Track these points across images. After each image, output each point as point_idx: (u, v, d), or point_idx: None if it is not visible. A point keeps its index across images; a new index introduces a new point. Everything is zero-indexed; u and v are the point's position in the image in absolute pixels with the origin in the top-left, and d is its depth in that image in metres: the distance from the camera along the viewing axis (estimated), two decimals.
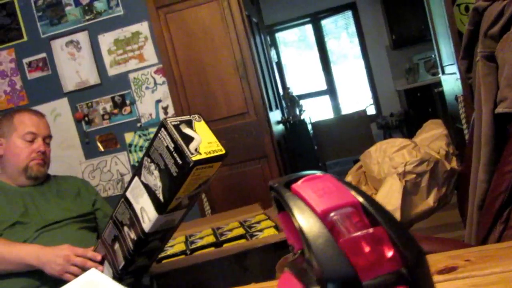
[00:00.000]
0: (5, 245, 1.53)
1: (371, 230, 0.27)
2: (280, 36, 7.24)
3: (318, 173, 0.31)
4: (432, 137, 1.64)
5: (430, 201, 1.47)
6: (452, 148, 1.61)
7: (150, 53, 2.95)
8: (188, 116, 1.09)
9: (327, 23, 7.08)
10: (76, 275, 1.33)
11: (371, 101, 6.77)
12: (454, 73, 2.82)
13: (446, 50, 2.98)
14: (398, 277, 0.26)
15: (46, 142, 1.83)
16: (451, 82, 3.02)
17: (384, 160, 1.56)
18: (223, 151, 1.06)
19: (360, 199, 0.29)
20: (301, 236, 0.27)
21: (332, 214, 0.28)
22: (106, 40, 2.97)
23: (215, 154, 1.04)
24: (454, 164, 1.55)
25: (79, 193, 1.88)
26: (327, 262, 0.24)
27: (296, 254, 0.32)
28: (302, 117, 5.49)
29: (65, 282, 1.13)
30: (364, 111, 5.21)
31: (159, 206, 1.08)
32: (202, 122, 1.10)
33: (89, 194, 1.91)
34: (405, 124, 6.01)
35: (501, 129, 1.15)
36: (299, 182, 0.31)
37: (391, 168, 1.51)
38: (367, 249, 0.26)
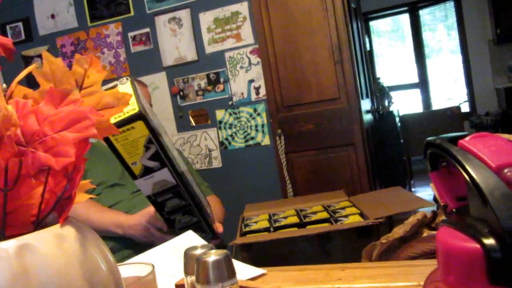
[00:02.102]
0: (97, 212, 1.64)
1: None
2: (373, 25, 7.04)
3: (485, 132, 0.31)
4: None
5: None
6: None
7: (247, 33, 2.99)
8: (116, 82, 1.16)
9: (423, 14, 6.77)
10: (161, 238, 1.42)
11: (466, 98, 6.42)
12: None
13: None
14: None
15: None
16: None
17: None
18: (136, 110, 1.10)
19: None
20: (472, 190, 0.27)
21: (506, 170, 0.28)
22: (206, 18, 3.06)
23: (125, 116, 1.09)
24: None
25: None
26: (506, 214, 0.24)
27: (451, 213, 0.31)
28: (390, 109, 5.33)
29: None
30: (458, 107, 4.95)
31: (130, 174, 1.21)
32: (127, 84, 1.16)
33: (183, 163, 2.00)
34: (501, 125, 5.64)
35: None
36: (467, 138, 0.30)
37: None
38: None
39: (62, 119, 0.40)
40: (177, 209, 1.32)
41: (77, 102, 0.42)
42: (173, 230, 1.38)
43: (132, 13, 3.18)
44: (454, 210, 0.31)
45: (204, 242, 1.15)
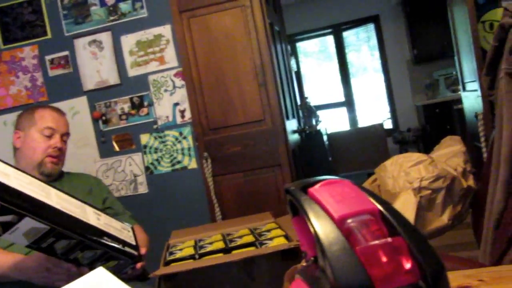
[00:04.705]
0: None
1: (389, 239, 0.26)
2: (300, 46, 7.24)
3: (336, 178, 0.30)
4: (450, 153, 1.61)
5: (445, 218, 1.45)
6: (470, 165, 1.58)
7: (170, 56, 2.96)
8: None
9: (348, 35, 7.06)
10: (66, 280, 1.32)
11: (389, 115, 6.72)
12: (475, 90, 2.79)
13: (468, 67, 2.94)
14: None
15: (64, 140, 1.85)
16: (471, 99, 2.98)
17: (400, 175, 1.54)
18: None
19: (380, 206, 0.28)
20: (316, 242, 0.26)
21: (349, 220, 0.27)
22: (128, 41, 3.00)
23: None
24: (471, 182, 1.52)
25: (90, 191, 1.89)
26: (341, 270, 0.23)
27: (308, 261, 0.30)
28: (318, 128, 5.46)
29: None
30: (381, 124, 5.17)
31: None
32: None
33: (100, 192, 1.92)
34: (422, 140, 5.95)
35: None
36: (317, 186, 0.30)
37: (406, 183, 1.49)
38: (384, 259, 0.25)
39: None
40: (71, 248, 1.23)
41: None
42: (84, 266, 1.30)
43: (49, 36, 3.05)
44: (312, 258, 0.30)
45: (115, 280, 1.09)
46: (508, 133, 1.14)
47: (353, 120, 7.03)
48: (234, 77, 2.86)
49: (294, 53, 6.89)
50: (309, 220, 0.27)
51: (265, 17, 2.84)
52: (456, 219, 1.48)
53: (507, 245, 1.09)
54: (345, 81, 7.04)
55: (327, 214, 0.27)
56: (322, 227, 0.26)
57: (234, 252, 1.74)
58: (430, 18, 5.89)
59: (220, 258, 1.69)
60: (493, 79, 1.29)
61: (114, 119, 3.04)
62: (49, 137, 1.79)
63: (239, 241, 1.82)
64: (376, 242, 0.26)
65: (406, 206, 1.44)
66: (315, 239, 0.26)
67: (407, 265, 0.26)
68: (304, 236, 0.31)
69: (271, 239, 1.79)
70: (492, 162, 1.26)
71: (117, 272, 1.43)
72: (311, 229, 0.27)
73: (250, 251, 1.72)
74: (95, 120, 3.05)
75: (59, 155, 1.82)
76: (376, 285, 0.24)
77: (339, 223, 0.27)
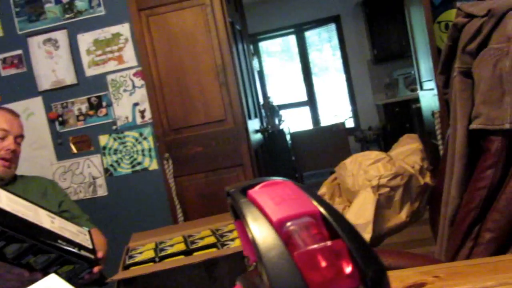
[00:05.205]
0: None
1: (329, 243, 0.25)
2: (263, 45, 7.25)
3: (278, 179, 0.29)
4: (408, 151, 1.64)
5: (403, 215, 1.47)
6: (427, 163, 1.61)
7: (129, 55, 2.90)
8: None
9: (310, 35, 7.13)
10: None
11: (350, 114, 6.82)
12: (432, 89, 2.85)
13: (425, 66, 3.01)
14: None
15: (17, 142, 1.80)
16: (428, 97, 3.05)
17: (359, 173, 1.55)
18: None
19: (321, 208, 0.27)
20: (253, 246, 0.24)
21: (288, 224, 0.26)
22: (85, 40, 2.92)
23: None
24: (428, 179, 1.55)
25: (45, 193, 1.83)
26: (277, 277, 0.22)
27: (251, 267, 0.29)
28: (281, 127, 5.48)
29: None
30: (343, 123, 5.23)
31: None
32: None
33: (56, 195, 1.87)
34: (383, 138, 6.07)
35: (475, 145, 1.15)
36: (257, 187, 0.28)
37: (365, 181, 1.50)
38: (323, 263, 0.24)
39: None
40: (23, 252, 1.19)
41: None
42: (37, 271, 1.25)
43: (1, 34, 2.94)
44: (254, 264, 0.29)
45: (68, 287, 1.05)
46: (462, 131, 1.16)
47: (315, 119, 7.09)
48: (195, 76, 2.83)
49: (257, 52, 6.89)
50: (247, 223, 0.25)
51: (226, 16, 2.82)
52: (413, 216, 1.51)
53: (462, 241, 1.11)
54: (307, 81, 7.10)
55: (265, 217, 0.26)
56: (260, 231, 0.25)
57: (196, 254, 1.72)
58: (389, 19, 6.01)
59: (181, 261, 1.67)
60: (448, 77, 1.32)
61: (71, 120, 2.96)
62: (2, 139, 1.73)
63: (201, 243, 1.81)
64: (315, 246, 0.25)
65: (366, 204, 1.46)
66: (252, 243, 0.25)
67: (347, 269, 0.25)
68: (246, 241, 0.29)
69: (233, 240, 1.78)
70: (447, 159, 1.28)
71: (74, 277, 1.39)
72: (249, 233, 0.25)
73: (212, 252, 1.70)
74: (51, 121, 2.96)
75: (12, 157, 1.77)
76: None
77: (278, 226, 0.25)
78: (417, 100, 3.66)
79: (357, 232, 0.26)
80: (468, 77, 1.16)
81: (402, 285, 0.70)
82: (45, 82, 2.94)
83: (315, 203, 0.27)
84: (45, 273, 1.16)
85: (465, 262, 1.00)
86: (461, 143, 1.15)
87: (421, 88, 3.29)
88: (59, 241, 1.27)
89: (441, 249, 1.24)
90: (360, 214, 1.42)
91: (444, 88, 1.35)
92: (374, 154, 1.55)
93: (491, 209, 1.07)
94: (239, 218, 0.30)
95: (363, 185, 1.50)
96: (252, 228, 0.25)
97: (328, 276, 0.24)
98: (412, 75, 5.97)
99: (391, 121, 5.89)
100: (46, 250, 1.22)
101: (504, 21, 1.06)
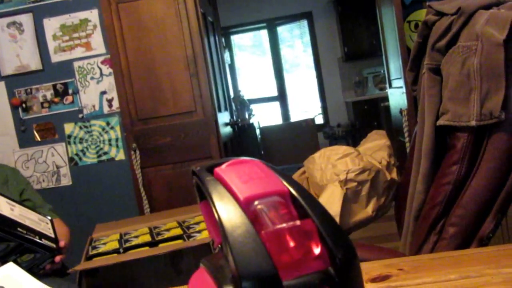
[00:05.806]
0: None
1: (298, 222, 0.24)
2: (235, 39, 7.22)
3: (246, 158, 0.28)
4: (375, 147, 1.65)
5: (369, 210, 1.48)
6: (394, 159, 1.63)
7: (98, 43, 2.83)
8: None
9: (282, 31, 7.13)
10: None
11: (320, 110, 6.87)
12: (401, 87, 2.90)
13: (394, 64, 3.05)
14: (324, 277, 0.23)
15: None
16: (397, 95, 3.10)
17: (327, 167, 1.55)
18: None
19: (290, 188, 0.26)
20: (219, 226, 0.23)
21: (256, 202, 0.25)
22: (51, 24, 2.83)
23: None
24: (395, 175, 1.57)
25: (6, 182, 1.77)
26: (243, 257, 0.21)
27: (216, 249, 0.28)
28: (251, 121, 5.48)
29: None
30: (312, 119, 5.26)
31: None
32: None
33: (17, 183, 1.81)
34: (351, 135, 6.14)
35: (441, 141, 1.16)
36: (223, 166, 0.27)
37: (333, 175, 1.50)
38: (292, 244, 0.23)
39: None
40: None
41: None
42: None
43: None
44: (220, 246, 0.27)
45: (26, 275, 1.02)
46: (429, 127, 1.17)
47: (285, 115, 7.11)
48: (165, 66, 2.78)
49: (229, 46, 6.85)
50: (212, 202, 0.24)
51: (198, 6, 2.79)
52: (380, 211, 1.52)
53: (426, 236, 1.13)
54: (278, 76, 7.10)
55: (232, 196, 0.24)
56: (226, 210, 0.23)
57: (161, 245, 1.70)
58: (360, 17, 6.07)
59: (145, 252, 1.64)
60: (417, 74, 1.33)
61: (36, 107, 2.87)
62: None
63: (167, 234, 1.78)
64: (284, 225, 0.24)
65: (333, 198, 1.46)
66: (218, 223, 0.23)
67: (316, 251, 0.24)
68: (211, 222, 0.28)
69: (199, 231, 1.76)
70: (414, 155, 1.30)
71: (35, 266, 1.35)
72: (214, 212, 0.24)
73: (177, 244, 1.68)
74: (14, 108, 2.86)
75: None
76: (281, 272, 0.22)
77: (245, 205, 0.24)
78: (385, 98, 3.72)
79: (328, 213, 0.25)
80: (437, 74, 1.17)
81: (367, 277, 0.71)
82: (8, 66, 2.84)
83: (284, 182, 0.26)
84: (4, 262, 1.12)
85: (429, 255, 1.01)
86: (428, 139, 1.16)
87: (390, 86, 3.34)
88: (19, 229, 1.23)
89: (406, 244, 1.26)
90: (327, 207, 1.41)
91: (413, 85, 1.36)
92: (343, 149, 1.56)
93: (455, 205, 1.08)
94: (205, 198, 0.29)
95: (331, 179, 1.50)
96: (218, 207, 0.24)
97: (296, 256, 0.23)
98: (381, 74, 6.06)
99: (359, 118, 5.96)
100: (4, 238, 1.18)
101: (473, 19, 1.08)
